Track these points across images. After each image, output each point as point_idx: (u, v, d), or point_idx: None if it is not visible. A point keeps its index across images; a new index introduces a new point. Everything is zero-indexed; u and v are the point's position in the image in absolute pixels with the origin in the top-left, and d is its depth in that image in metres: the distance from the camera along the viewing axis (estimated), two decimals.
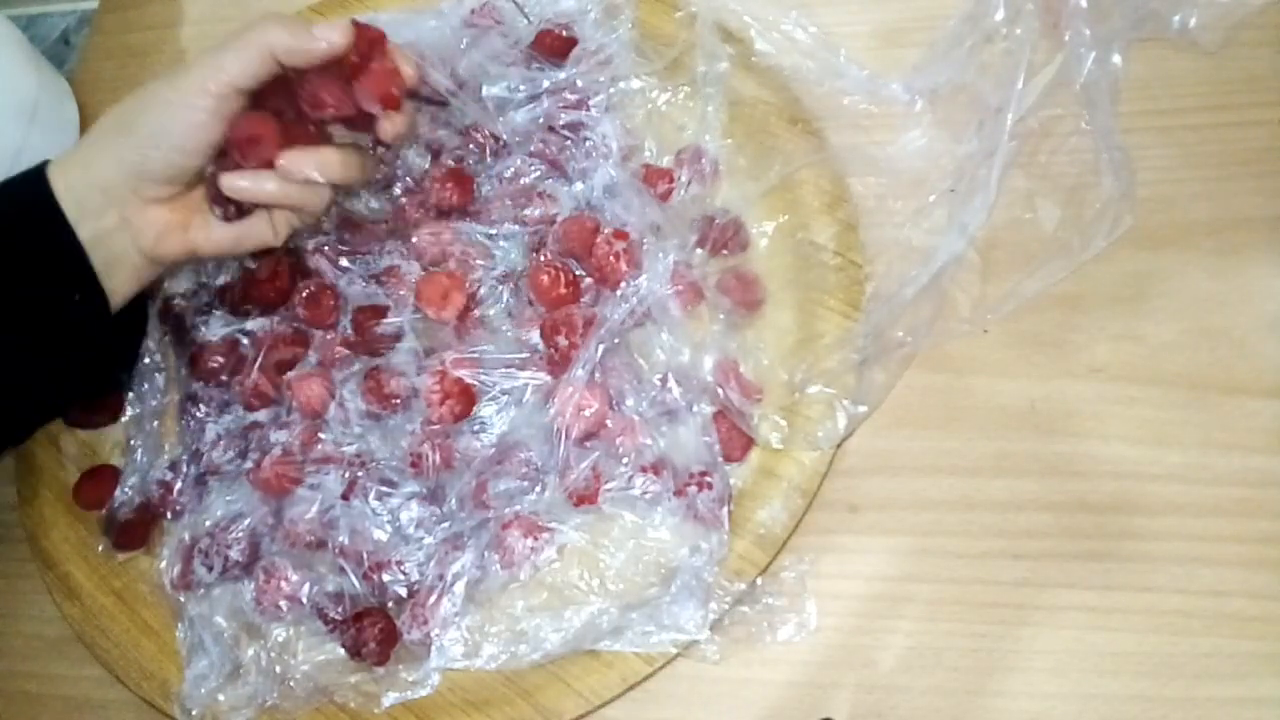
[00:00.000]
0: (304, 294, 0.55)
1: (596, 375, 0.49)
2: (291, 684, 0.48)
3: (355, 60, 0.46)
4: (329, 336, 0.55)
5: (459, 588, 0.48)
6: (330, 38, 0.45)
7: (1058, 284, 0.52)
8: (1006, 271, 0.52)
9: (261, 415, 0.54)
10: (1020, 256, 0.52)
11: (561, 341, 0.50)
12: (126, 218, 0.47)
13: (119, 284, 0.48)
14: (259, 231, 0.49)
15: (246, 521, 0.51)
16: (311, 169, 0.46)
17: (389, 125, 0.48)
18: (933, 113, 0.54)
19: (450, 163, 0.57)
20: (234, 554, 0.50)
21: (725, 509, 0.47)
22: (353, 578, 0.49)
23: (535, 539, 0.48)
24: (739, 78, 0.57)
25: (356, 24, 0.46)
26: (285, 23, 0.45)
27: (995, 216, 0.52)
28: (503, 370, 0.51)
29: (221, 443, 0.53)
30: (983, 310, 0.51)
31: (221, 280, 0.58)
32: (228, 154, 0.47)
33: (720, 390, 0.49)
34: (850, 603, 0.47)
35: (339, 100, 0.46)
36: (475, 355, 0.52)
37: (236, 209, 0.48)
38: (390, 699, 0.47)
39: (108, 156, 0.46)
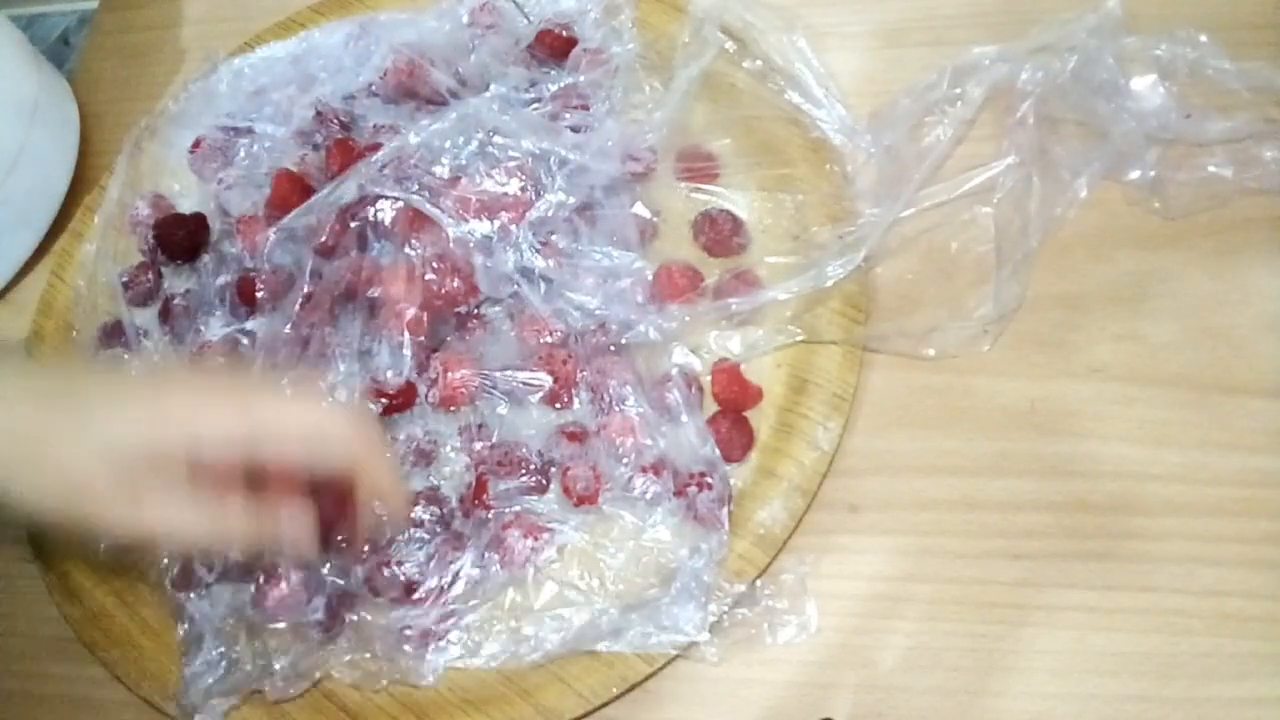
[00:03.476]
0: (302, 294, 0.55)
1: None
2: (281, 673, 0.48)
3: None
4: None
5: (459, 587, 0.48)
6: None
7: (1058, 284, 0.52)
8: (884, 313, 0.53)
9: None
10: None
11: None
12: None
13: None
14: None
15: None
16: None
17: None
18: (878, 169, 0.55)
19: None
20: (234, 554, 0.50)
21: (725, 509, 0.47)
22: (353, 578, 0.49)
23: (535, 539, 0.48)
24: (739, 78, 0.58)
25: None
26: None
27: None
28: (502, 370, 0.51)
29: None
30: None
31: (221, 280, 0.58)
32: None
33: None
34: (850, 603, 0.47)
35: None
36: (476, 355, 0.52)
37: None
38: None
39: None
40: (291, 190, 0.57)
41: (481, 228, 0.53)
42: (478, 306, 0.54)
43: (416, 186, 0.53)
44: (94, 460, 0.39)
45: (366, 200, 0.53)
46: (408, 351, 0.52)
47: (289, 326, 0.53)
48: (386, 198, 0.53)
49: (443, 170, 0.54)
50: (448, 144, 0.54)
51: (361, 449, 0.42)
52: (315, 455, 0.41)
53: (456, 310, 0.53)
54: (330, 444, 0.41)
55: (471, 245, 0.52)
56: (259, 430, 0.40)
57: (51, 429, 0.40)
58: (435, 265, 0.52)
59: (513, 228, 0.52)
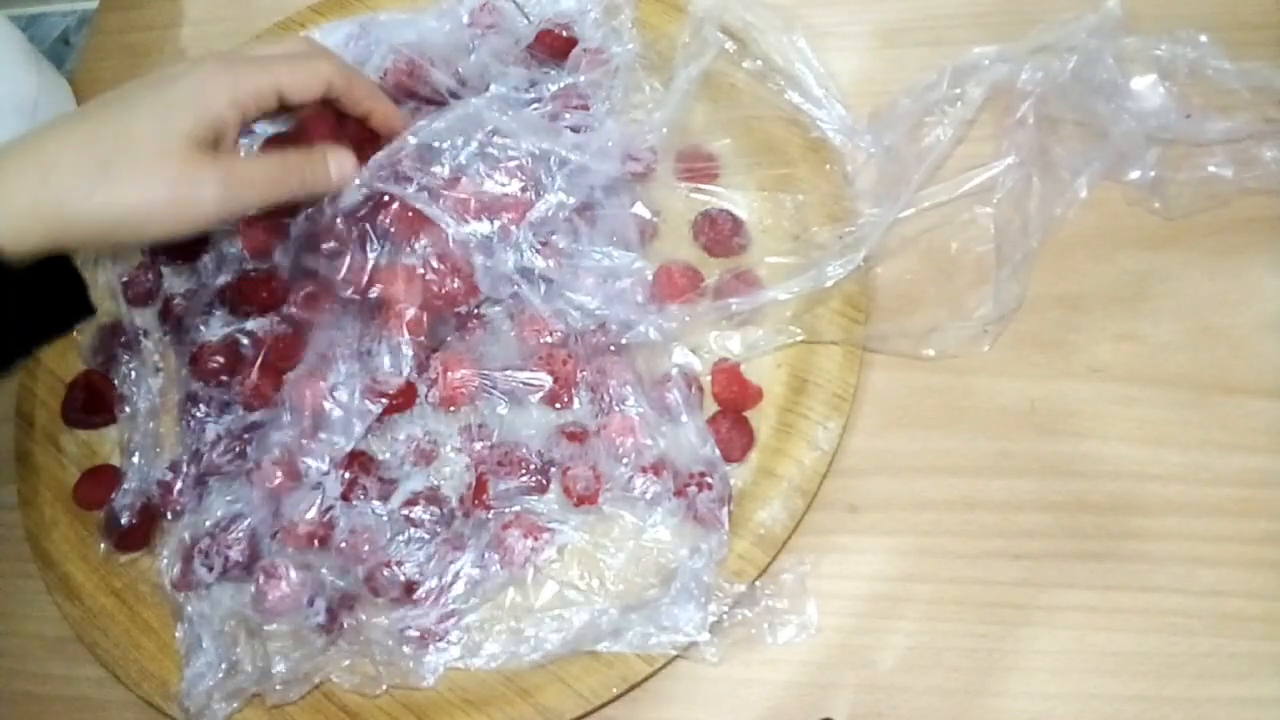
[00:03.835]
0: (302, 294, 0.55)
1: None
2: (281, 676, 0.48)
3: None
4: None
5: (459, 587, 0.48)
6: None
7: (1058, 284, 0.52)
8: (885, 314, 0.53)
9: (261, 415, 0.54)
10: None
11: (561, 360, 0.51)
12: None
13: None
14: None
15: (246, 521, 0.51)
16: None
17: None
18: (878, 169, 0.55)
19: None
20: (234, 554, 0.50)
21: (725, 509, 0.47)
22: (353, 578, 0.49)
23: (535, 539, 0.48)
24: (739, 78, 0.58)
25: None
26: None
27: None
28: (502, 370, 0.51)
29: (221, 443, 0.53)
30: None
31: (221, 280, 0.58)
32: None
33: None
34: (850, 603, 0.47)
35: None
36: (475, 355, 0.52)
37: None
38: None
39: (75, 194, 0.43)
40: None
41: (481, 228, 0.53)
42: (478, 306, 0.54)
43: (416, 187, 0.53)
44: (154, 136, 0.44)
45: (368, 200, 0.53)
46: (407, 351, 0.52)
47: (289, 327, 0.53)
48: (387, 199, 0.53)
49: (442, 170, 0.54)
50: (447, 144, 0.54)
51: (341, 69, 0.49)
52: (327, 84, 0.48)
53: (456, 310, 0.53)
54: (327, 71, 0.48)
55: (472, 245, 0.52)
56: (282, 80, 0.47)
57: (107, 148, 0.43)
58: (435, 266, 0.52)
59: (513, 228, 0.52)
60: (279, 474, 0.50)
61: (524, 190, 0.53)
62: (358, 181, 0.52)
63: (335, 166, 0.50)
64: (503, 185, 0.53)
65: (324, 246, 0.53)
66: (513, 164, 0.54)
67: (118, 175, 0.43)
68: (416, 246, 0.52)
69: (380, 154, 0.53)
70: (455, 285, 0.52)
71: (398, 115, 0.53)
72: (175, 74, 0.46)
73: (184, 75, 0.46)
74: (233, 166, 0.46)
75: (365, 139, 0.53)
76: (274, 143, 0.59)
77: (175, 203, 0.44)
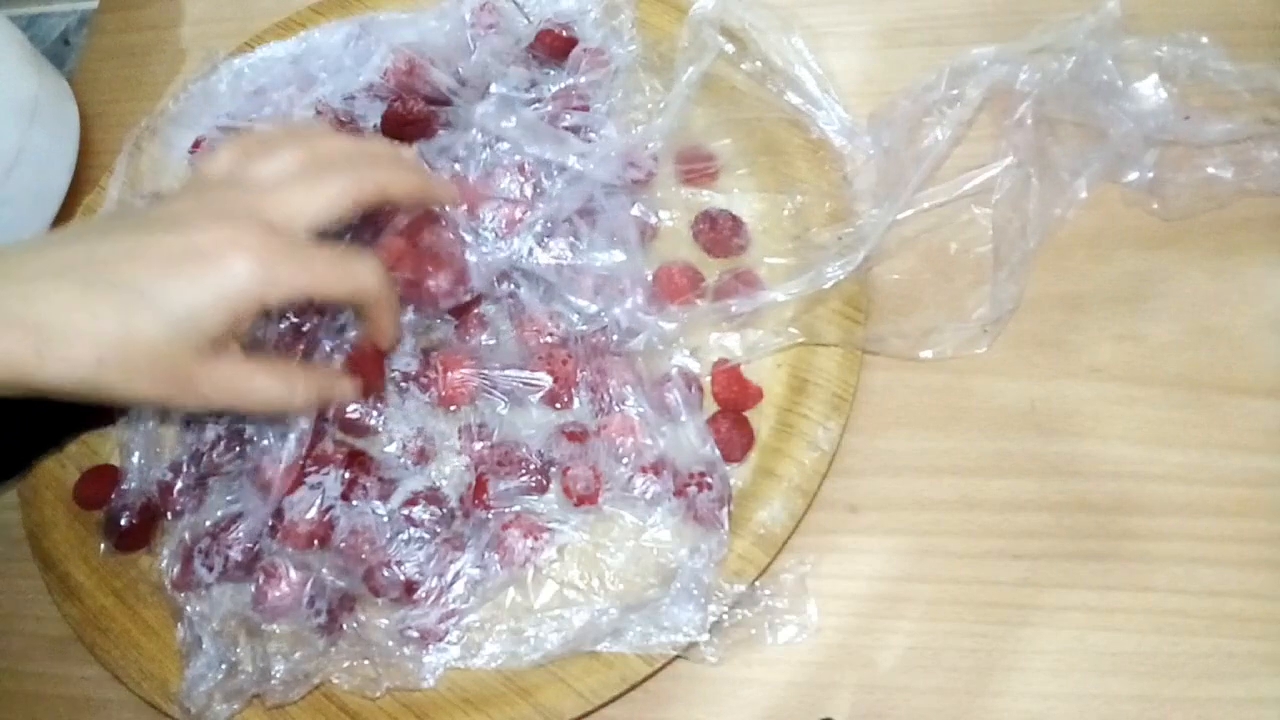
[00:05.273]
0: None
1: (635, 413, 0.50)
2: (280, 677, 0.48)
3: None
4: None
5: (459, 587, 0.48)
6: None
7: (1057, 284, 0.52)
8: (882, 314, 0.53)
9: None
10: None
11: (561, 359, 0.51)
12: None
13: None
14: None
15: (246, 521, 0.51)
16: None
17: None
18: (877, 170, 0.55)
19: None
20: (234, 554, 0.50)
21: (725, 509, 0.47)
22: (353, 578, 0.49)
23: (535, 539, 0.48)
24: (739, 79, 0.58)
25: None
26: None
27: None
28: (502, 370, 0.51)
29: (221, 443, 0.53)
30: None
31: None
32: None
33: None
34: (850, 603, 0.47)
35: None
36: (475, 355, 0.52)
37: None
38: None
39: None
40: None
41: (479, 223, 0.53)
42: (474, 301, 0.54)
43: None
44: (165, 341, 0.38)
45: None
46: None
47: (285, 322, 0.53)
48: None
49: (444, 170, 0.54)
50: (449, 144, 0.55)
51: (385, 289, 0.45)
52: (361, 296, 0.44)
53: (447, 301, 0.53)
54: (368, 286, 0.44)
55: (469, 244, 0.52)
56: (319, 289, 0.41)
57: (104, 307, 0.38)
58: (428, 256, 0.52)
59: (513, 228, 0.52)
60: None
61: (524, 191, 0.53)
62: None
63: (339, 393, 0.48)
64: (503, 185, 0.53)
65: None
66: (513, 164, 0.54)
67: (108, 376, 0.38)
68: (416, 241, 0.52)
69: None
70: (444, 278, 0.52)
71: (392, 336, 0.48)
72: (200, 252, 0.39)
73: (212, 265, 0.39)
74: (231, 373, 0.41)
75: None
76: None
77: (159, 400, 0.40)
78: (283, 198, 0.42)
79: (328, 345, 0.52)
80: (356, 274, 0.43)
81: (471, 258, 0.52)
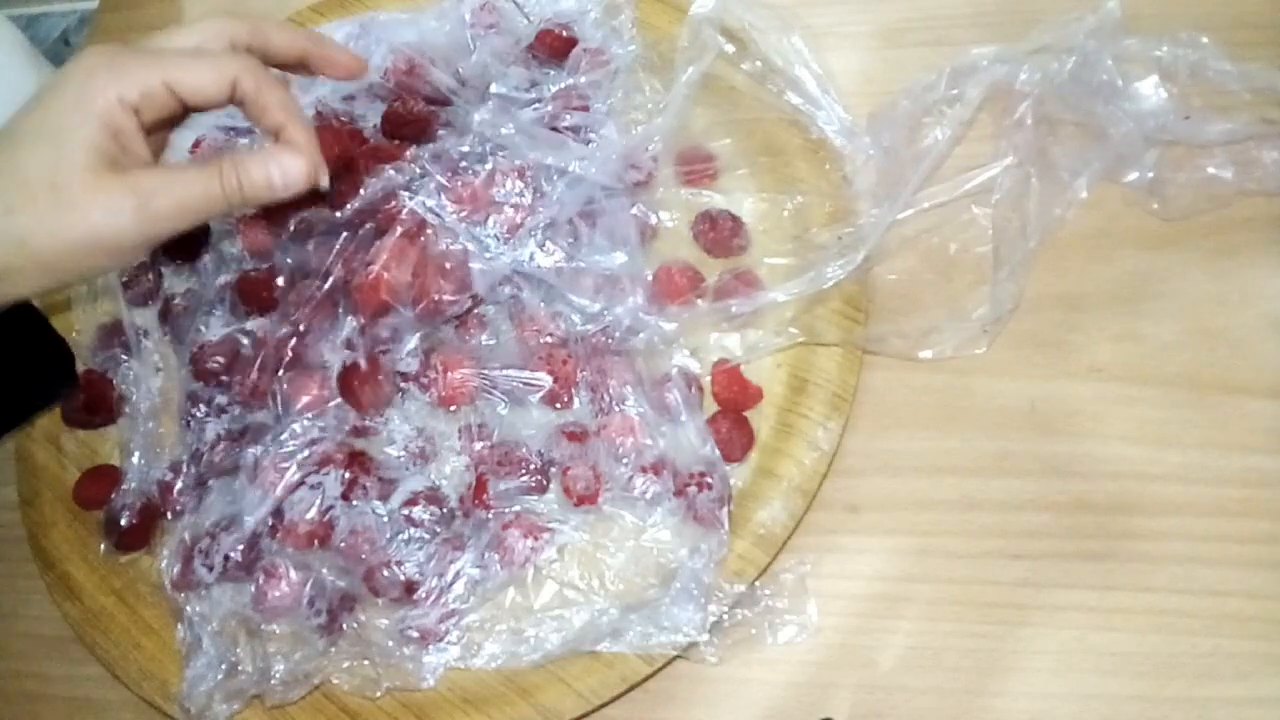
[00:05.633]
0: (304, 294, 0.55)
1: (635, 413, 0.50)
2: (280, 677, 0.48)
3: None
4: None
5: (459, 587, 0.48)
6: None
7: (1057, 284, 0.52)
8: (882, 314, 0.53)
9: (261, 415, 0.54)
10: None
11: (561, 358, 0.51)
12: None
13: None
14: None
15: (247, 521, 0.51)
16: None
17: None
18: (877, 170, 0.55)
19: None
20: (234, 554, 0.50)
21: (725, 509, 0.47)
22: (353, 578, 0.49)
23: (535, 539, 0.48)
24: (739, 80, 0.58)
25: None
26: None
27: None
28: (502, 370, 0.51)
29: (222, 443, 0.53)
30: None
31: (221, 280, 0.58)
32: None
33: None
34: (850, 603, 0.47)
35: None
36: (475, 355, 0.52)
37: None
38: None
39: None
40: None
41: (481, 230, 0.53)
42: (475, 305, 0.54)
43: (420, 190, 0.53)
44: (61, 185, 0.38)
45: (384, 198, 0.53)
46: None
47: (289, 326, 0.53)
48: (392, 203, 0.53)
49: (443, 170, 0.54)
50: (449, 147, 0.55)
51: (253, 71, 0.42)
52: (230, 85, 0.42)
53: (452, 308, 0.53)
54: (232, 71, 0.42)
55: (470, 247, 0.52)
56: (173, 76, 0.40)
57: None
58: (433, 265, 0.52)
59: (515, 233, 0.52)
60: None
61: (524, 192, 0.53)
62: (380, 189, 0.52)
63: (278, 171, 0.42)
64: (503, 186, 0.53)
65: (312, 239, 0.53)
66: (514, 166, 0.54)
67: (22, 221, 0.38)
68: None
69: (385, 176, 0.53)
70: (445, 286, 0.52)
71: (311, 140, 0.43)
72: (52, 83, 0.40)
73: (61, 82, 0.40)
74: (144, 182, 0.39)
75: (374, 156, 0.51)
76: None
77: (93, 236, 0.38)
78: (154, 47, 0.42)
79: (327, 356, 0.53)
80: (219, 64, 0.41)
81: (475, 265, 0.52)
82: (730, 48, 0.57)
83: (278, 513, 0.51)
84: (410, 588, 0.48)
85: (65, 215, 0.38)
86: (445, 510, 0.50)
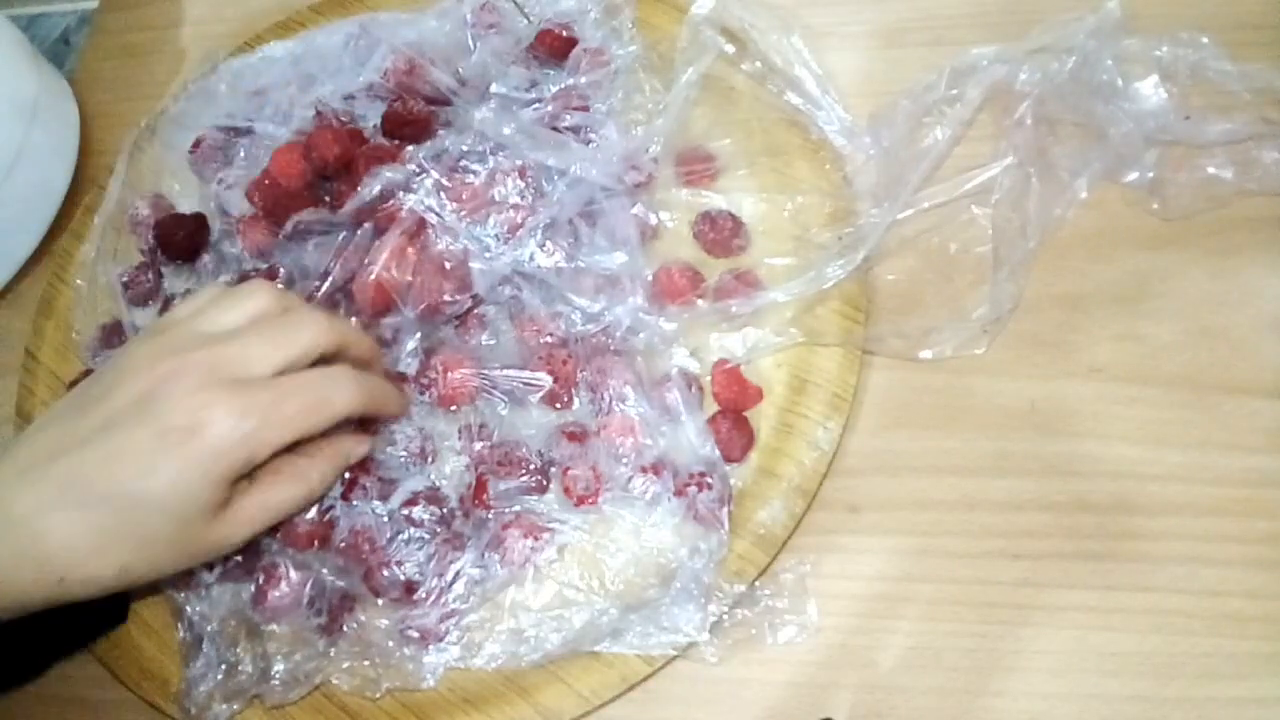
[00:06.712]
0: (304, 294, 0.55)
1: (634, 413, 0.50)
2: (280, 677, 0.48)
3: None
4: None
5: (459, 587, 0.48)
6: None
7: (1057, 284, 0.52)
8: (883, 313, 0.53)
9: None
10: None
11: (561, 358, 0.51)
12: None
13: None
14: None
15: None
16: None
17: None
18: (877, 170, 0.55)
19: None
20: (234, 554, 0.50)
21: (725, 509, 0.47)
22: (353, 578, 0.49)
23: (535, 539, 0.48)
24: (739, 80, 0.58)
25: None
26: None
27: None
28: (502, 370, 0.51)
29: None
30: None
31: (221, 280, 0.58)
32: None
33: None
34: (850, 603, 0.47)
35: None
36: (475, 355, 0.52)
37: None
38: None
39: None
40: (291, 163, 0.58)
41: (482, 230, 0.53)
42: (475, 305, 0.54)
43: (419, 189, 0.53)
44: (174, 527, 0.41)
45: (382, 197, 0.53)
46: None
47: None
48: (391, 202, 0.53)
49: (442, 170, 0.54)
50: (449, 146, 0.54)
51: (363, 392, 0.45)
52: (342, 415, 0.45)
53: (452, 308, 0.53)
54: (348, 400, 0.45)
55: (470, 247, 0.52)
56: (297, 428, 0.43)
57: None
58: (433, 266, 0.52)
59: (515, 234, 0.52)
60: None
61: (524, 193, 0.53)
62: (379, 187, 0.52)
63: (356, 453, 0.49)
64: (503, 187, 0.53)
65: (312, 239, 0.53)
66: (514, 168, 0.54)
67: (135, 574, 0.41)
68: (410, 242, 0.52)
69: (385, 175, 0.53)
70: (444, 286, 0.52)
71: (396, 409, 0.50)
72: (174, 432, 0.40)
73: (191, 443, 0.40)
74: (247, 508, 0.43)
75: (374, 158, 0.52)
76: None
77: (180, 568, 0.44)
78: (240, 347, 0.42)
79: None
80: (333, 399, 0.44)
81: (475, 265, 0.52)
82: (730, 48, 0.57)
83: None
84: (410, 588, 0.48)
85: (176, 562, 0.43)
86: (445, 510, 0.50)
